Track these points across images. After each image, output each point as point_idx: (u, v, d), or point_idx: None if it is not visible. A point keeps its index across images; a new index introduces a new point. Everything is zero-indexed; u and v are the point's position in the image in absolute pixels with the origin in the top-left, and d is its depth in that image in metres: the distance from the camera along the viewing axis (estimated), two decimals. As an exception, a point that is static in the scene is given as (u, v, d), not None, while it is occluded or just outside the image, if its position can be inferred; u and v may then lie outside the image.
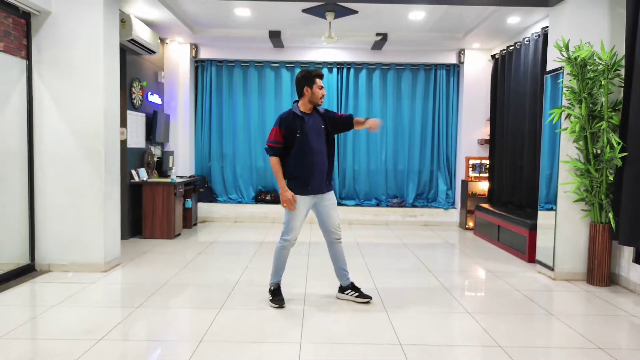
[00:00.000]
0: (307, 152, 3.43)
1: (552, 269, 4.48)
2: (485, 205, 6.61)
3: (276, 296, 3.57)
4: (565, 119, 4.39)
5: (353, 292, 3.67)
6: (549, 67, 4.71)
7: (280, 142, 3.45)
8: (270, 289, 3.63)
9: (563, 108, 4.36)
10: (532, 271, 4.77)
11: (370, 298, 3.65)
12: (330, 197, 3.60)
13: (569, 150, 4.40)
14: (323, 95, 3.51)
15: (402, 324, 3.22)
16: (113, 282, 4.16)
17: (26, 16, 4.23)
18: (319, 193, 3.54)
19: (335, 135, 3.69)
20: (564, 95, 4.36)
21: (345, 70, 7.78)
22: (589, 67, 4.20)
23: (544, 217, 4.75)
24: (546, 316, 3.47)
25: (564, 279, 4.44)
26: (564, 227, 4.44)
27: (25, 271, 4.29)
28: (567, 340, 3.02)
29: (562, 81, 4.37)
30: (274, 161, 3.47)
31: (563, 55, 4.29)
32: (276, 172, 3.47)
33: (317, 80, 3.47)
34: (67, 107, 4.35)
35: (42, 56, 4.31)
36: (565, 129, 4.35)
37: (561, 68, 4.39)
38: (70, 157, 4.37)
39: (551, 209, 4.61)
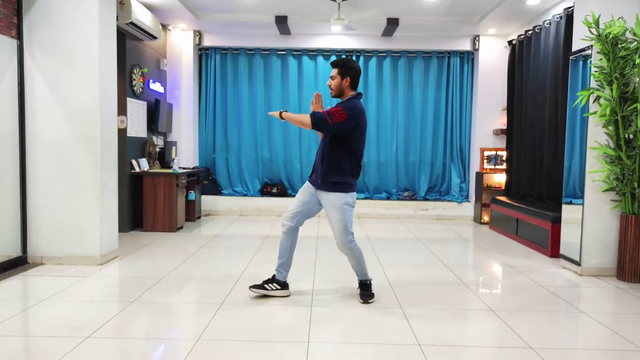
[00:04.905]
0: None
1: (578, 264, 4.17)
2: (503, 198, 6.29)
3: (264, 283, 3.37)
4: (594, 102, 4.07)
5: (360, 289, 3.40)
6: (574, 47, 4.38)
7: None
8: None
9: (592, 90, 4.03)
10: (556, 266, 4.46)
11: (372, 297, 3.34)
12: (323, 197, 3.22)
13: (597, 135, 4.07)
14: (329, 85, 3.28)
15: (420, 322, 2.93)
16: (109, 275, 3.91)
17: (17, -7, 3.99)
18: (314, 185, 3.30)
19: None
20: (592, 76, 4.04)
21: (354, 58, 7.46)
22: (620, 45, 3.88)
23: (568, 209, 4.43)
24: (577, 314, 3.17)
25: (591, 274, 4.13)
26: (592, 218, 4.12)
27: (17, 264, 4.05)
28: (604, 341, 2.72)
29: (591, 60, 4.04)
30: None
31: (592, 33, 3.96)
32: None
33: None
34: (61, 90, 4.09)
35: (34, 36, 4.06)
36: (594, 112, 4.03)
37: (589, 47, 4.06)
38: (65, 143, 4.13)
39: (570, 203, 4.30)
